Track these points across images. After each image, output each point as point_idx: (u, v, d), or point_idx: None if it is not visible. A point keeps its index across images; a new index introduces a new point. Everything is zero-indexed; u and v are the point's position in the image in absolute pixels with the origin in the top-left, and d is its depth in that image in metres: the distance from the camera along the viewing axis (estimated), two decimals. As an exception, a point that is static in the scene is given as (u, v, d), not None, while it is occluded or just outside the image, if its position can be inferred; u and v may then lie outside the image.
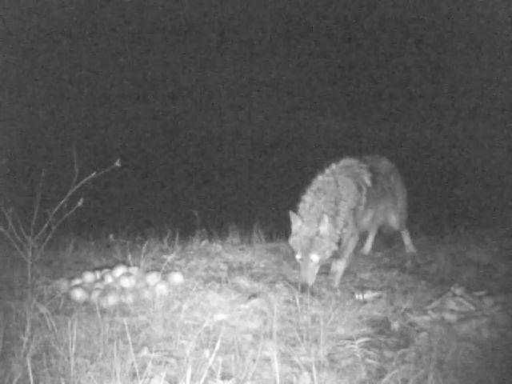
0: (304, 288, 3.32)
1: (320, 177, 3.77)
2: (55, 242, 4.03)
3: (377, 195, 3.98)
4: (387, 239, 4.58)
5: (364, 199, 3.79)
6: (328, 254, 3.48)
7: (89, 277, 3.36)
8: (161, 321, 2.72)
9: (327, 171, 3.81)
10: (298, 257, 3.48)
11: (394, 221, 4.39)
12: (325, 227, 3.41)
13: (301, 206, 3.62)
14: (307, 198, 3.62)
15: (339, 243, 3.58)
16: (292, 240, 3.53)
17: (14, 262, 3.49)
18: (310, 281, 3.39)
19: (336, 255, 3.62)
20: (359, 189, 3.76)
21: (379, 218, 4.18)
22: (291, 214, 3.53)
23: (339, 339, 2.57)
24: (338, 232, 3.56)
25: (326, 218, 3.40)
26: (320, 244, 3.42)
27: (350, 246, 3.74)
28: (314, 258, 3.40)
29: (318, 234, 3.43)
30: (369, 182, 3.86)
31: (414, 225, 4.86)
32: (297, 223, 3.52)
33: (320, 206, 3.53)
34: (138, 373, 2.09)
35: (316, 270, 3.45)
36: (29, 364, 2.03)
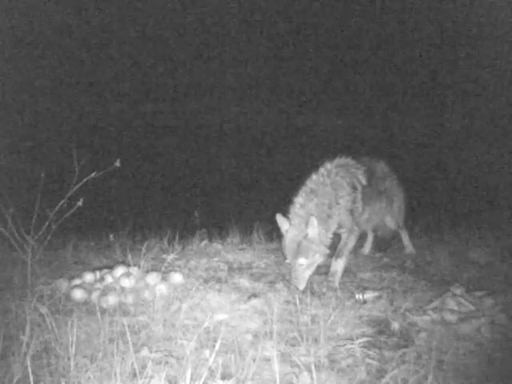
0: (298, 291, 3.25)
1: (314, 176, 3.64)
2: (55, 242, 4.03)
3: (372, 194, 3.92)
4: (384, 242, 4.55)
5: (360, 197, 3.71)
6: (319, 257, 3.40)
7: (89, 277, 3.36)
8: (161, 321, 2.72)
9: (322, 171, 3.68)
10: (287, 261, 3.42)
11: (389, 221, 4.39)
12: (314, 230, 3.31)
13: (291, 208, 3.51)
14: (298, 200, 3.50)
15: (331, 247, 3.54)
16: (282, 244, 3.45)
17: (13, 262, 3.48)
18: (301, 285, 3.29)
19: (335, 254, 3.61)
20: (354, 188, 3.68)
21: (375, 217, 4.13)
22: (277, 216, 3.43)
23: (339, 339, 2.57)
24: (330, 235, 3.48)
25: (314, 221, 3.29)
26: (307, 248, 3.31)
27: (350, 243, 3.69)
28: (302, 261, 3.31)
29: (305, 237, 3.32)
30: (364, 181, 3.78)
31: (414, 225, 4.87)
32: (284, 226, 3.43)
33: (310, 208, 3.42)
34: (137, 373, 2.09)
35: (307, 274, 3.36)
36: (29, 364, 2.03)
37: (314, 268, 3.43)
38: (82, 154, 3.56)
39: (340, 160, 3.83)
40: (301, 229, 3.35)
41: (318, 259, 3.42)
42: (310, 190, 3.53)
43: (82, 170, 3.34)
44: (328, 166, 3.74)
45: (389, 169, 4.33)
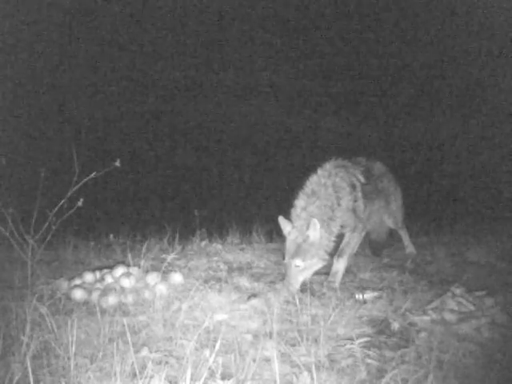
0: (290, 293, 3.17)
1: (315, 178, 3.60)
2: (55, 242, 4.03)
3: (371, 193, 3.89)
4: (376, 248, 4.50)
5: (360, 195, 3.69)
6: (317, 262, 3.36)
7: (89, 277, 3.36)
8: (161, 321, 2.72)
9: (322, 172, 3.63)
10: (284, 261, 3.40)
11: (388, 220, 4.35)
12: (315, 232, 3.28)
13: (292, 211, 3.47)
14: (299, 202, 3.47)
15: (332, 253, 3.47)
16: (284, 245, 3.44)
17: (14, 261, 3.48)
18: (293, 287, 3.24)
19: (337, 253, 3.58)
20: (353, 187, 3.65)
21: (374, 216, 4.08)
22: (280, 219, 3.40)
23: (339, 339, 2.57)
24: (333, 239, 3.45)
25: (316, 224, 3.26)
26: (306, 250, 3.29)
27: (352, 242, 3.65)
28: (299, 263, 3.29)
29: (306, 239, 3.29)
30: (362, 179, 3.77)
31: (414, 225, 4.86)
32: (286, 228, 3.40)
33: (312, 211, 3.38)
34: (138, 373, 2.09)
35: (301, 277, 3.32)
36: (29, 364, 2.02)
37: (310, 273, 3.39)
38: (82, 154, 3.56)
39: (337, 161, 3.82)
40: (303, 231, 3.32)
41: (316, 264, 3.38)
42: (310, 191, 3.49)
43: (82, 169, 3.34)
44: (327, 166, 3.71)
45: (386, 168, 4.30)
